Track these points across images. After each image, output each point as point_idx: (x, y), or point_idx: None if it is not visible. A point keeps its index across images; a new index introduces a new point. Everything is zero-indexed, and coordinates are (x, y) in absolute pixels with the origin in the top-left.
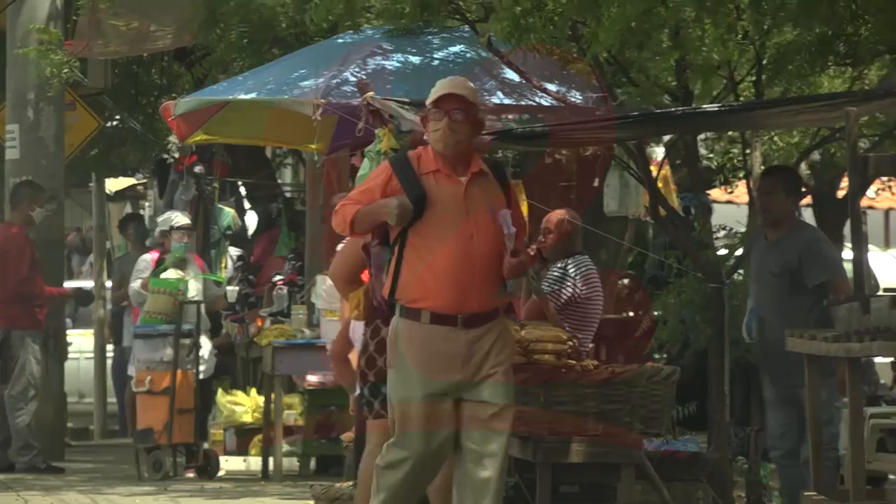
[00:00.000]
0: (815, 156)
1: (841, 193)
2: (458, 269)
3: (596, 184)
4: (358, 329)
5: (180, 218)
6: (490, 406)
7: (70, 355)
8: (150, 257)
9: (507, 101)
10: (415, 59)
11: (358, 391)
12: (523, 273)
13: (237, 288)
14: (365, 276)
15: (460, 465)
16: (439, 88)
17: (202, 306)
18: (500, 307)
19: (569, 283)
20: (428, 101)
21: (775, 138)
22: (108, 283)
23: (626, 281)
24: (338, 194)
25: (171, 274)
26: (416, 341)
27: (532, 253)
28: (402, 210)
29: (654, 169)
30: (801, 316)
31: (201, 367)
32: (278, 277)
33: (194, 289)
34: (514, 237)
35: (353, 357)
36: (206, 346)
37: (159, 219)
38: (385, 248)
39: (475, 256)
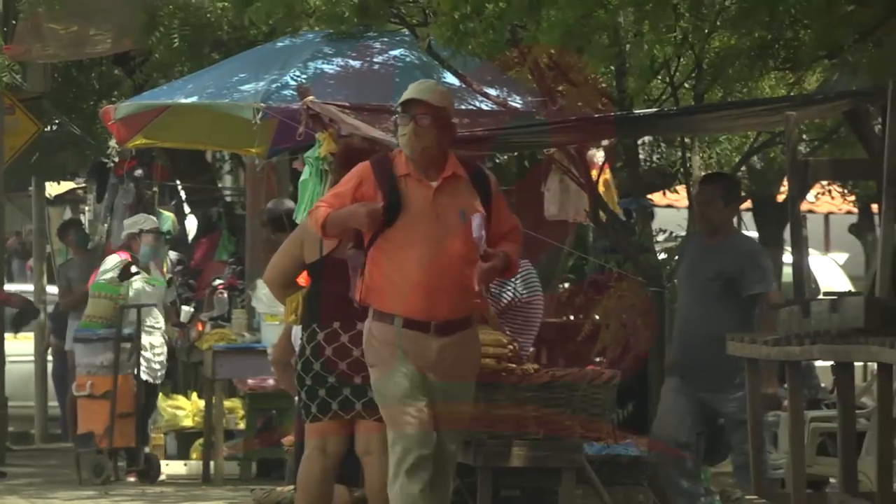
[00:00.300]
0: (755, 160)
1: (781, 198)
2: (428, 275)
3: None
4: (298, 334)
5: (150, 221)
6: (452, 405)
7: None
8: (117, 258)
9: None
10: (355, 63)
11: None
12: (496, 275)
13: (190, 310)
14: (301, 279)
15: None
16: (406, 93)
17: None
18: (473, 314)
19: (509, 288)
20: (397, 104)
21: (733, 138)
22: (50, 289)
23: (566, 285)
24: (275, 199)
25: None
26: (389, 339)
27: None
28: (372, 217)
29: (594, 173)
30: (728, 322)
31: (160, 372)
32: (218, 282)
33: (157, 294)
34: (484, 241)
35: None
36: (162, 351)
37: (127, 221)
38: (359, 250)
39: (446, 262)
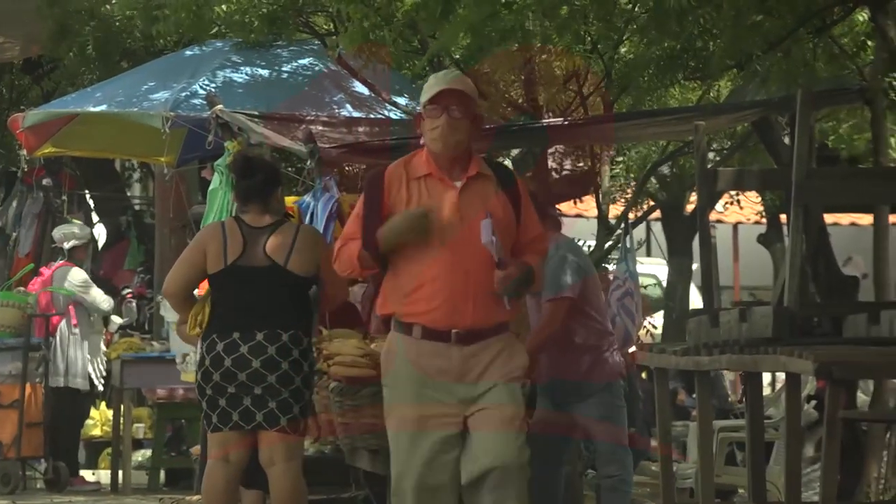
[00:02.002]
0: (665, 169)
1: (690, 207)
2: (449, 282)
3: None
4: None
5: (85, 230)
6: (495, 407)
7: None
8: (79, 272)
9: (356, 115)
10: (263, 72)
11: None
12: (517, 286)
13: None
14: (201, 289)
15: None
16: (435, 83)
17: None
18: (505, 322)
19: None
20: (424, 98)
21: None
22: None
23: None
24: (192, 209)
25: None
26: (411, 351)
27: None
28: (415, 222)
29: None
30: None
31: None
32: (127, 290)
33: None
34: (497, 247)
35: None
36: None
37: (61, 231)
38: (381, 272)
39: (469, 267)
